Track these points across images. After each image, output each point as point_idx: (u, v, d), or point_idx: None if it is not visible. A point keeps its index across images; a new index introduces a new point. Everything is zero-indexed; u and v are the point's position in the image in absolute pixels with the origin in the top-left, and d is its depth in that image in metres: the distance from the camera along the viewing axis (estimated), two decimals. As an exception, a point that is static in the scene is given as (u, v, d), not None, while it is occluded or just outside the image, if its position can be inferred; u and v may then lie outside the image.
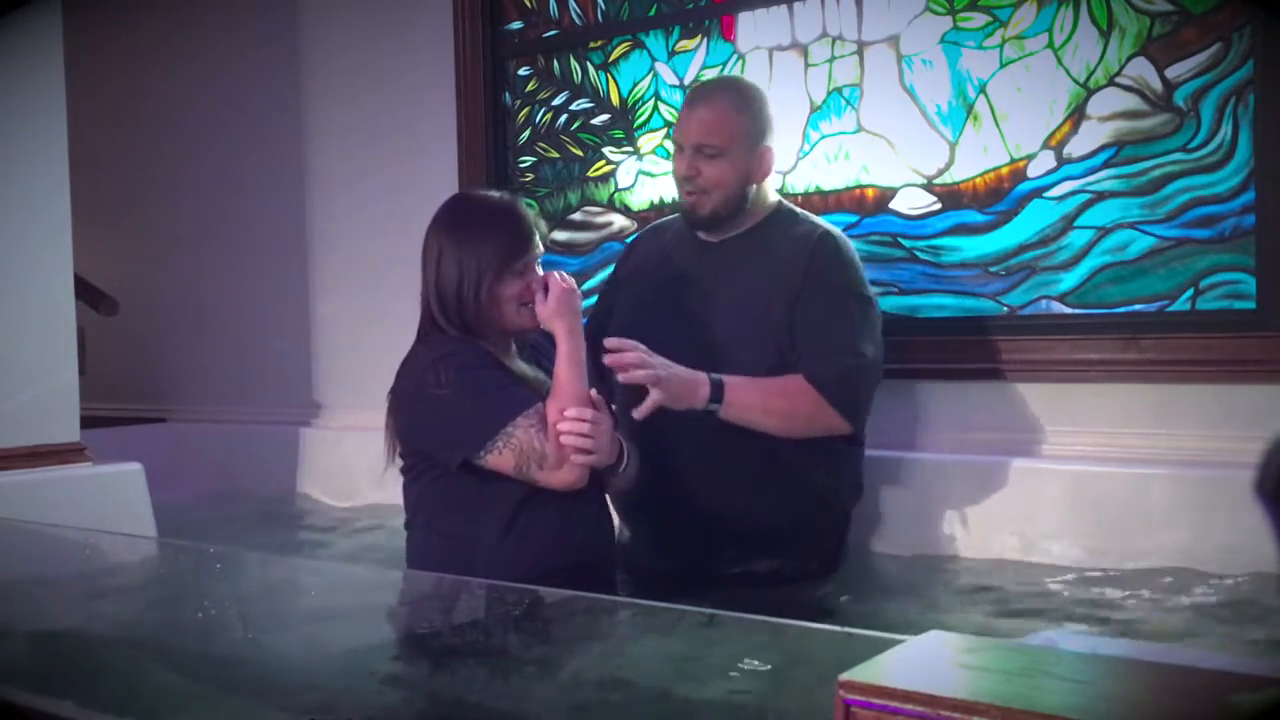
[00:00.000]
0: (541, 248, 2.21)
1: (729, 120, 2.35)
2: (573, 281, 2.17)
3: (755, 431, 2.26)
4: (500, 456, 2.05)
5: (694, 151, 2.36)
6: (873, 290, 2.44)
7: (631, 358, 2.10)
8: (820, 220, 2.51)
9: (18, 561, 2.33)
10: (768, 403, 2.25)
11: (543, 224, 2.25)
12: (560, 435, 2.04)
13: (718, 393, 2.18)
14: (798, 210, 2.53)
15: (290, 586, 2.13)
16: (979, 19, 2.70)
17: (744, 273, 2.39)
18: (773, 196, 2.50)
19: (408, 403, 2.16)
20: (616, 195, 3.32)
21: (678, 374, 2.15)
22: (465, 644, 1.61)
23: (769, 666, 1.37)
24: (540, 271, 2.19)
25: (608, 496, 2.29)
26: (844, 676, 0.85)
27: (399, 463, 2.21)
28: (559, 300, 2.11)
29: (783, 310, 2.33)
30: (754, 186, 2.39)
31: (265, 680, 1.46)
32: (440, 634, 1.69)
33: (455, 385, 2.07)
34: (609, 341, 2.13)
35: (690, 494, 2.36)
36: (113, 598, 2.02)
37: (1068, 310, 2.62)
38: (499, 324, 2.16)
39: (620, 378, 2.13)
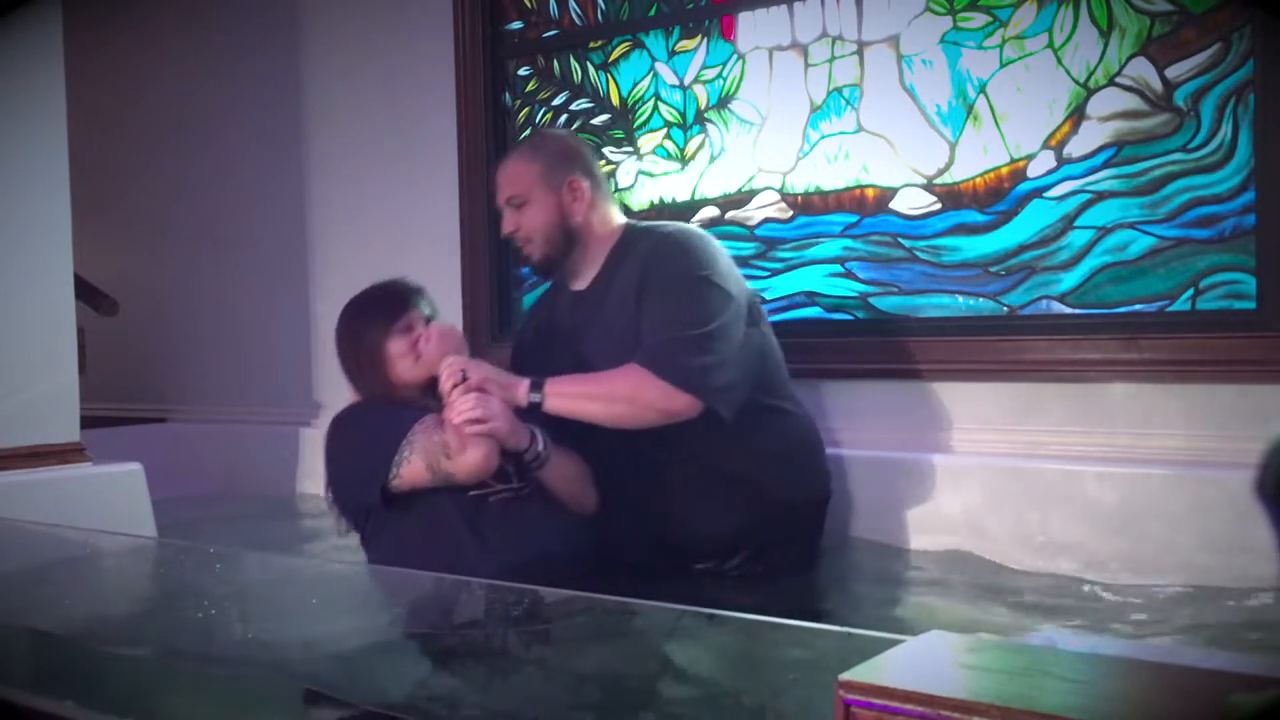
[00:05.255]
0: (427, 309, 2.35)
1: (522, 169, 2.47)
2: (455, 327, 2.37)
3: (698, 441, 2.31)
4: (410, 465, 2.14)
5: (507, 208, 2.49)
6: (729, 274, 2.37)
7: (451, 376, 2.22)
8: (672, 224, 2.52)
9: (18, 561, 2.32)
10: (588, 389, 2.30)
11: (426, 296, 2.41)
12: (453, 419, 2.13)
13: (538, 386, 2.27)
14: (649, 225, 2.54)
15: (290, 586, 2.13)
16: (979, 19, 2.70)
17: (607, 307, 2.42)
18: (616, 223, 2.51)
19: (327, 472, 2.31)
20: (616, 195, 3.31)
21: (497, 376, 2.27)
22: (465, 644, 1.61)
23: (769, 666, 1.37)
24: (424, 327, 2.31)
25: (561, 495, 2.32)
26: (844, 676, 0.85)
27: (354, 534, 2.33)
28: (438, 344, 2.27)
29: (635, 323, 2.35)
30: (577, 220, 2.45)
31: (265, 680, 1.45)
32: (440, 634, 1.69)
33: (351, 437, 2.25)
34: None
35: (640, 505, 2.40)
36: (113, 598, 2.02)
37: (1068, 310, 2.62)
38: (399, 381, 2.29)
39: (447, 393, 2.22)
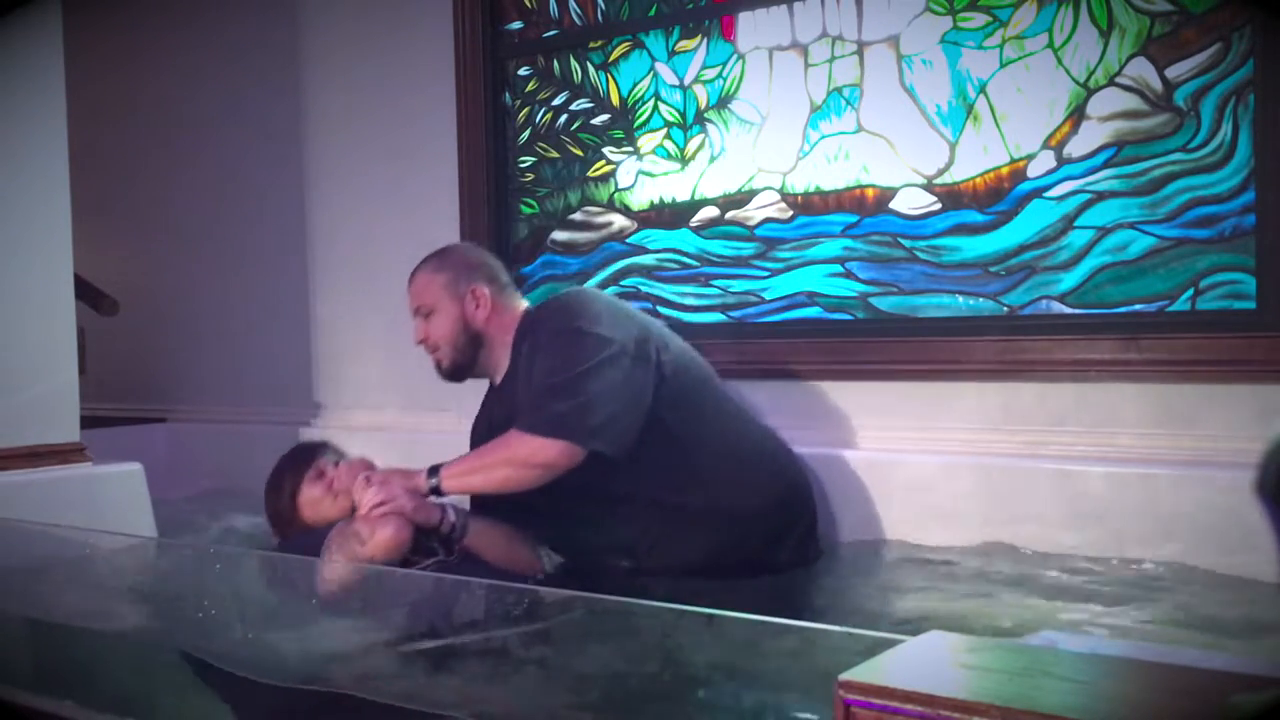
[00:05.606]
0: (333, 456, 2.58)
1: (429, 281, 2.61)
2: (361, 457, 2.55)
3: (623, 478, 2.39)
4: (332, 569, 2.21)
5: (417, 317, 2.63)
6: (609, 320, 2.43)
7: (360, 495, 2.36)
8: (561, 292, 2.63)
9: (18, 561, 2.33)
10: (472, 463, 2.42)
11: (331, 447, 2.64)
12: (361, 511, 2.29)
13: (434, 470, 2.39)
14: (546, 300, 2.63)
15: (290, 586, 2.13)
16: (979, 19, 2.70)
17: (519, 391, 2.50)
18: (519, 313, 2.60)
19: None
20: (616, 195, 3.32)
21: (402, 473, 2.40)
22: (465, 644, 1.61)
23: (769, 666, 1.37)
24: (334, 469, 2.51)
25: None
26: (844, 676, 0.85)
27: None
28: (347, 472, 2.46)
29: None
30: (479, 324, 2.58)
31: (265, 680, 1.45)
32: (440, 634, 1.69)
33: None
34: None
35: (607, 551, 2.49)
36: (113, 598, 2.02)
37: (1068, 310, 2.62)
38: (324, 519, 2.43)
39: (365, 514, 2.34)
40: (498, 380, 2.64)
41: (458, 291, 2.58)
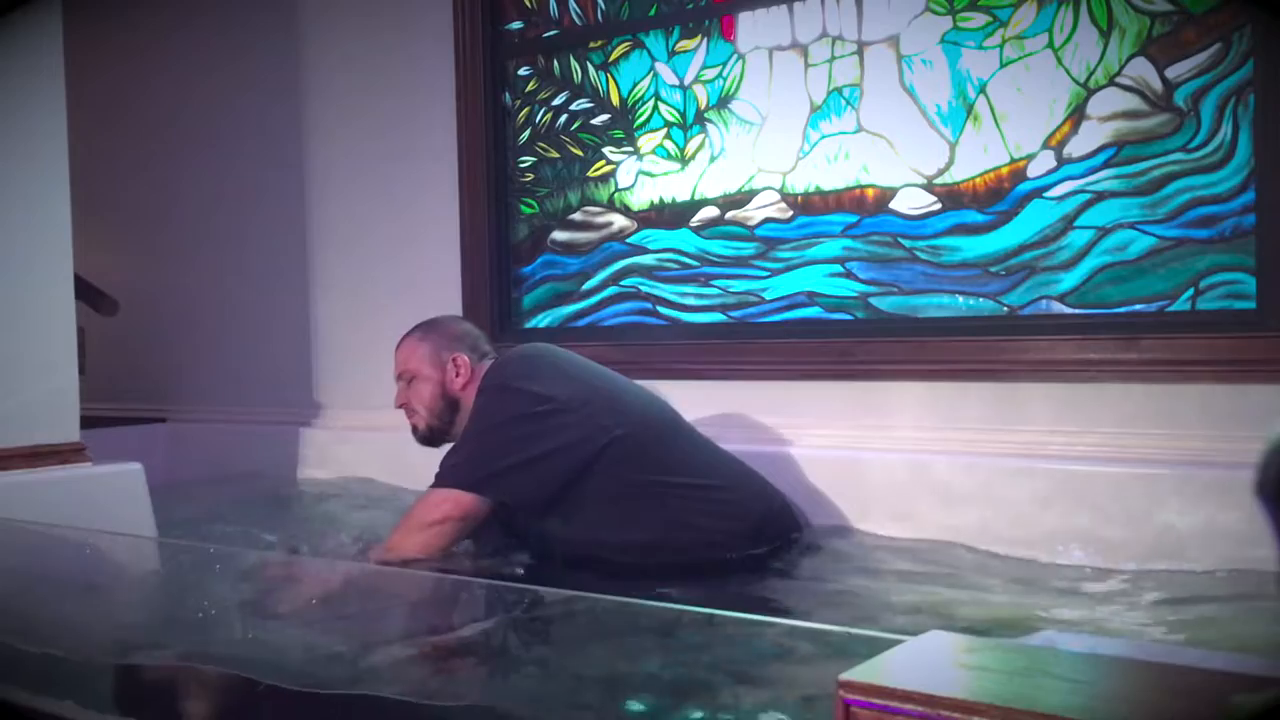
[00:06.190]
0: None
1: (413, 349, 2.72)
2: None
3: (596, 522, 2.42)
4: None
5: (399, 382, 2.72)
6: (551, 378, 2.46)
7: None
8: (507, 352, 2.66)
9: (18, 561, 2.33)
10: (393, 536, 2.44)
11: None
12: None
13: (364, 551, 2.50)
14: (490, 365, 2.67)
15: (290, 586, 2.13)
16: (979, 19, 2.70)
17: None
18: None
19: None
20: (616, 195, 3.32)
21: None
22: (465, 644, 1.61)
23: (769, 667, 1.37)
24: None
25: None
26: (844, 676, 0.85)
27: None
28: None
29: None
30: (457, 392, 2.65)
31: (264, 680, 1.45)
32: (440, 633, 1.69)
33: None
34: None
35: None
36: (113, 598, 2.02)
37: (1068, 310, 2.62)
38: None
39: None
40: None
41: (440, 360, 2.67)
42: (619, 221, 3.32)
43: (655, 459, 2.47)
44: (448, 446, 2.60)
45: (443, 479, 2.43)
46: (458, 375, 2.66)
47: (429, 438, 2.71)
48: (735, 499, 2.53)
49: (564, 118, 3.41)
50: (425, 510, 2.41)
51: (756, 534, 2.52)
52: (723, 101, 3.10)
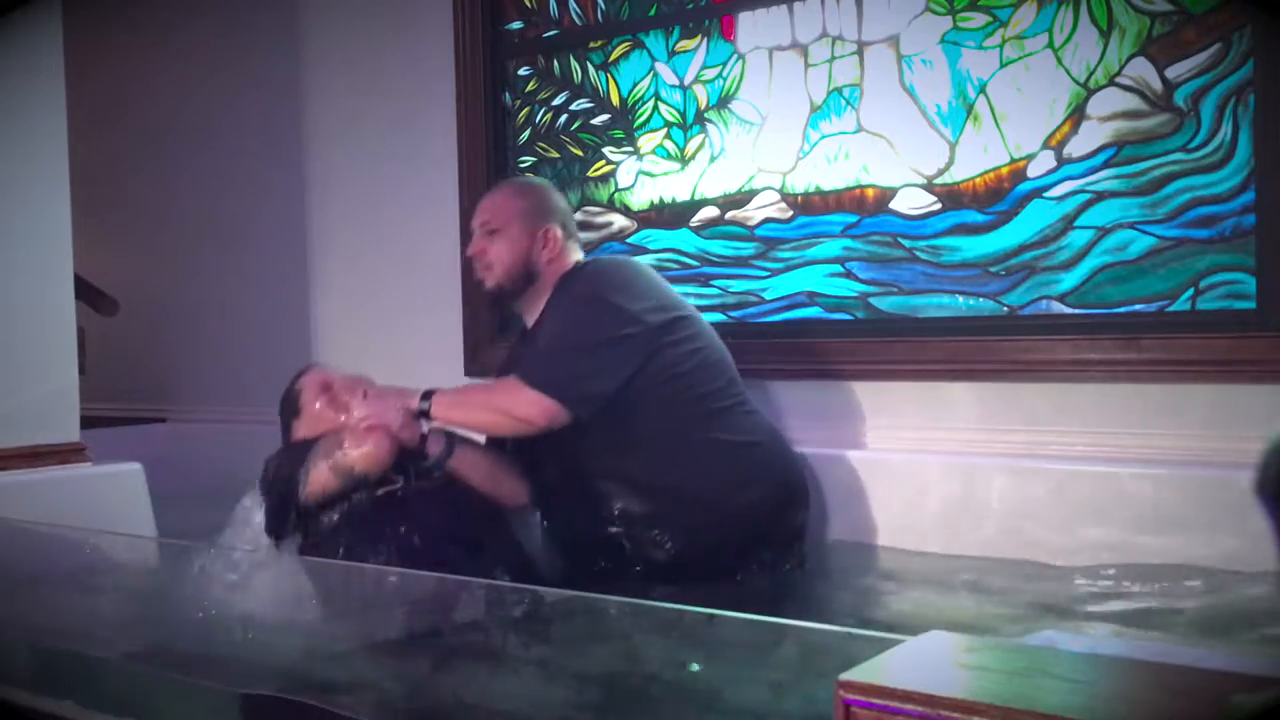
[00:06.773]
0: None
1: (508, 202, 2.61)
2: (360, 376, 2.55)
3: (611, 450, 2.42)
4: (315, 470, 2.30)
5: (479, 230, 2.61)
6: (639, 296, 2.45)
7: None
8: (604, 256, 2.64)
9: (18, 561, 2.33)
10: (463, 397, 2.47)
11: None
12: (350, 421, 2.37)
13: (427, 394, 2.42)
14: (587, 260, 2.63)
15: (290, 585, 2.13)
16: (979, 19, 2.70)
17: (540, 338, 2.54)
18: (572, 263, 2.60)
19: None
20: (616, 195, 3.32)
21: (398, 390, 2.44)
22: (465, 644, 1.61)
23: (769, 666, 1.37)
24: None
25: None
26: (844, 676, 0.85)
27: None
28: (344, 381, 2.51)
29: None
30: (539, 265, 2.56)
31: (264, 680, 1.45)
32: (440, 634, 1.69)
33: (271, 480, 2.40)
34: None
35: (567, 510, 2.50)
36: (113, 598, 2.02)
37: (1068, 310, 2.62)
38: (318, 429, 2.46)
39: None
40: (529, 321, 2.64)
41: (532, 225, 2.56)
42: (619, 221, 3.32)
43: (706, 411, 2.48)
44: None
45: (537, 382, 2.36)
46: (545, 247, 2.56)
47: (496, 296, 2.64)
48: (766, 460, 2.53)
49: (564, 118, 3.41)
50: (511, 401, 2.37)
51: (784, 500, 2.54)
52: (723, 101, 3.10)
